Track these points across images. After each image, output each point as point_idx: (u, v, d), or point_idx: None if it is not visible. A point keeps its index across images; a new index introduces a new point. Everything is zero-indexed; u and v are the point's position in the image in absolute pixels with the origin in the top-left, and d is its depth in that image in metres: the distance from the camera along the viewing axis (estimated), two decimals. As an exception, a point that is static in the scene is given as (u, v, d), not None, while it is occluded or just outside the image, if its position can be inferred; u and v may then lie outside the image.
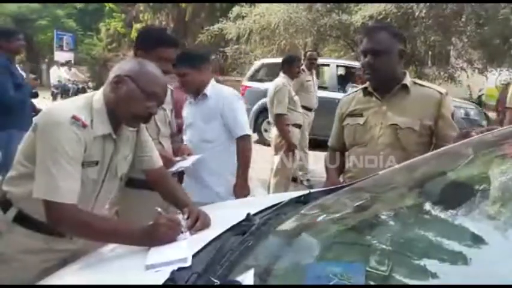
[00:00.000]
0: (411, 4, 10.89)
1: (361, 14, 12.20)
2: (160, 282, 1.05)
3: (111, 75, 1.50)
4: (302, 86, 5.10)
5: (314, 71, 5.61)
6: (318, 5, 14.04)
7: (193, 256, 1.20)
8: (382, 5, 11.42)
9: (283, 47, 15.10)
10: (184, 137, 2.61)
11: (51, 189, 1.33)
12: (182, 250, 1.24)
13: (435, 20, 11.03)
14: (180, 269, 1.09)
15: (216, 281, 0.91)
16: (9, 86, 3.68)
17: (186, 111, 2.66)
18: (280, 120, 4.37)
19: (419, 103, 1.97)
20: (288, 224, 1.37)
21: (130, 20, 22.74)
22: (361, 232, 1.27)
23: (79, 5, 24.81)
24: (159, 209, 1.43)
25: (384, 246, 1.13)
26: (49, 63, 13.93)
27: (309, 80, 5.32)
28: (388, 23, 11.01)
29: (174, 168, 2.17)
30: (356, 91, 2.22)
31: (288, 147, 4.36)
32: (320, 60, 6.39)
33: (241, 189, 2.54)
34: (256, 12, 14.96)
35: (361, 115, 2.07)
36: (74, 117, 1.37)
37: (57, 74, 13.94)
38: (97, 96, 1.51)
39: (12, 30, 4.07)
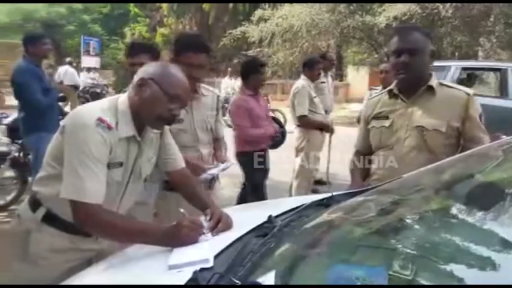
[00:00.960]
0: (436, 4, 10.67)
1: (385, 15, 12.03)
2: (182, 282, 1.06)
3: (136, 78, 1.53)
4: (316, 87, 5.06)
5: (329, 73, 5.57)
6: (341, 7, 13.95)
7: (215, 257, 1.21)
8: (407, 5, 11.23)
9: (306, 49, 15.03)
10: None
11: (78, 190, 1.36)
12: (204, 251, 1.25)
13: (462, 20, 10.78)
14: (202, 269, 1.10)
15: (237, 281, 0.91)
16: (37, 90, 3.80)
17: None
18: (304, 122, 4.35)
19: (446, 104, 1.93)
20: (310, 227, 1.36)
21: (155, 25, 23.16)
22: (385, 235, 1.24)
23: (105, 10, 25.40)
24: (182, 210, 1.44)
25: (408, 250, 1.11)
26: (77, 68, 14.34)
27: (323, 82, 5.28)
28: (414, 24, 10.85)
29: (203, 176, 2.14)
30: (381, 93, 2.19)
31: (325, 129, 4.37)
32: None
33: None
34: (278, 15, 14.97)
35: (386, 117, 2.04)
36: (100, 119, 1.41)
37: (82, 79, 14.26)
38: (122, 99, 1.54)
39: (38, 35, 4.14)
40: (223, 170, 2.27)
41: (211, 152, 2.33)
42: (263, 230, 1.37)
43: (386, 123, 2.02)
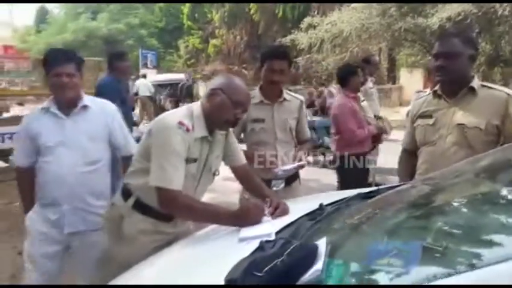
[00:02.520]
0: (493, 3, 10.31)
1: (438, 16, 11.78)
2: (250, 251, 1.32)
3: (207, 89, 1.84)
4: (365, 92, 5.12)
5: (374, 78, 5.59)
6: (392, 10, 13.82)
7: (276, 233, 1.46)
8: (461, 5, 10.94)
9: (356, 54, 14.99)
10: (47, 159, 2.12)
11: (163, 179, 1.68)
12: (267, 228, 1.52)
13: (520, 18, 10.35)
14: (267, 241, 1.35)
15: (296, 242, 1.16)
16: (116, 102, 4.25)
17: (48, 129, 2.12)
18: None
19: (486, 104, 2.07)
20: (355, 212, 1.58)
21: (207, 36, 24.04)
22: (421, 218, 1.43)
23: (160, 25, 26.66)
24: (247, 196, 1.72)
25: (441, 228, 1.29)
26: (133, 80, 15.27)
27: (372, 88, 5.32)
28: (467, 25, 10.57)
29: (275, 171, 2.36)
30: (427, 94, 2.36)
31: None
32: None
33: None
34: (327, 21, 15.06)
35: (430, 116, 2.21)
36: (180, 123, 1.73)
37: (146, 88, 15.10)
38: (196, 106, 1.86)
39: (122, 53, 4.64)
40: (296, 169, 2.49)
41: (290, 150, 2.54)
42: (314, 215, 1.61)
43: (430, 121, 2.19)
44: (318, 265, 1.04)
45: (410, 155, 2.35)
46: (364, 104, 4.64)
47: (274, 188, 2.42)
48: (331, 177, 5.86)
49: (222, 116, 1.80)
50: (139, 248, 1.80)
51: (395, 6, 13.76)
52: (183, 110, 1.86)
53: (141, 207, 1.84)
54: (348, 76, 3.74)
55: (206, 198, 2.08)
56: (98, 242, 2.14)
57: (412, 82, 16.73)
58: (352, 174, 3.58)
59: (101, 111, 2.24)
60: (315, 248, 1.12)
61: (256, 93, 2.50)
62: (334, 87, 7.50)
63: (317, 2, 18.45)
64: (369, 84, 5.29)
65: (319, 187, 5.43)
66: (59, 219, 2.14)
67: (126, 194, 1.88)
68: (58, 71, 2.04)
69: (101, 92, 4.30)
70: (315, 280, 1.01)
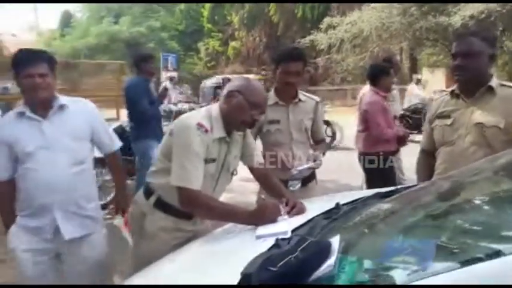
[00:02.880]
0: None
1: (461, 14, 11.60)
2: (266, 247, 1.35)
3: (225, 90, 1.90)
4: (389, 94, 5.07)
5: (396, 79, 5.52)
6: (413, 8, 13.66)
7: (292, 231, 1.50)
8: (484, 3, 10.74)
9: (376, 54, 14.87)
10: (29, 165, 1.98)
11: (184, 178, 1.74)
12: (284, 226, 1.56)
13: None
14: (282, 238, 1.39)
15: (310, 239, 1.19)
16: (145, 101, 4.45)
17: (26, 134, 1.99)
18: None
19: (505, 103, 2.05)
20: (370, 211, 1.60)
21: (227, 38, 24.23)
22: (437, 217, 1.44)
23: (180, 27, 26.97)
24: (263, 196, 1.77)
25: (455, 226, 1.30)
26: (156, 82, 15.48)
27: (394, 89, 5.26)
28: (491, 23, 10.36)
29: (291, 172, 2.39)
30: (445, 94, 2.35)
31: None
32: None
33: (126, 203, 2.29)
34: (347, 21, 14.99)
35: (448, 116, 2.20)
36: (199, 124, 1.78)
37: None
38: (215, 108, 1.91)
39: (149, 55, 4.81)
40: (311, 168, 2.51)
41: (306, 151, 2.55)
42: (330, 213, 1.63)
43: (448, 121, 2.18)
44: (331, 261, 1.07)
45: (428, 155, 2.34)
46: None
47: (291, 188, 2.45)
48: (348, 177, 5.86)
49: (239, 117, 1.85)
50: (160, 244, 1.86)
51: (416, 5, 13.61)
52: (202, 111, 1.91)
53: (162, 205, 1.90)
54: (380, 75, 3.73)
55: (225, 198, 2.13)
56: (96, 246, 2.11)
57: (434, 82, 16.49)
58: (380, 173, 3.53)
59: (80, 110, 2.13)
60: (328, 245, 1.16)
61: (271, 95, 2.52)
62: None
63: (337, 2, 18.37)
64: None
65: (336, 187, 5.41)
66: (49, 227, 2.00)
67: (148, 192, 1.95)
68: (30, 72, 1.92)
69: (130, 92, 4.51)
70: (327, 275, 1.04)
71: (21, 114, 2.00)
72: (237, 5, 22.38)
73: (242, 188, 4.07)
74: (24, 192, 2.01)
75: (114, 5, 27.87)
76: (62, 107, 2.05)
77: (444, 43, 13.91)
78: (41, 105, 2.00)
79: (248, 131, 2.04)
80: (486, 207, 1.42)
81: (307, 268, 1.06)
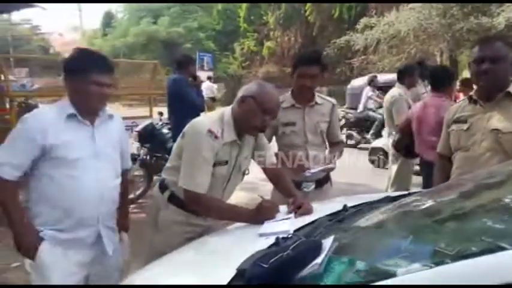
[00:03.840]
0: None
1: (504, 15, 11.14)
2: (267, 245, 1.40)
3: (239, 94, 1.95)
4: (418, 98, 4.95)
5: (426, 81, 5.37)
6: (454, 9, 13.25)
7: (295, 231, 1.53)
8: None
9: (414, 55, 14.51)
10: (73, 173, 1.80)
11: (190, 182, 1.84)
12: (287, 226, 1.60)
13: None
14: (283, 237, 1.43)
15: (302, 238, 1.23)
16: (193, 94, 4.75)
17: (77, 139, 1.84)
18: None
19: None
20: (376, 214, 1.60)
21: (262, 38, 24.32)
22: (442, 221, 1.43)
23: (217, 27, 27.30)
24: (260, 195, 1.84)
25: (455, 230, 1.30)
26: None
27: (424, 92, 5.13)
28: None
29: (304, 174, 2.40)
30: (462, 99, 2.31)
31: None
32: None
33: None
34: (384, 22, 14.71)
35: (465, 121, 2.17)
36: (209, 131, 1.86)
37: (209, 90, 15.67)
38: (227, 111, 1.98)
39: (188, 57, 5.18)
40: (324, 171, 2.51)
41: (321, 153, 2.57)
42: (336, 215, 1.65)
43: (465, 126, 2.15)
44: (318, 260, 1.10)
45: (445, 160, 2.31)
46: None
47: (305, 190, 2.46)
48: (364, 179, 5.78)
49: (250, 122, 1.90)
50: (172, 237, 1.95)
51: (458, 6, 13.18)
52: (214, 115, 2.00)
53: (175, 200, 1.99)
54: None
55: (247, 199, 2.16)
56: (120, 260, 2.05)
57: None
58: None
59: (116, 121, 2.03)
60: (319, 244, 1.19)
61: (287, 97, 2.55)
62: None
63: (375, 1, 18.03)
64: (421, 88, 5.11)
65: (350, 189, 5.36)
66: (91, 239, 1.89)
67: (163, 187, 2.04)
68: (102, 80, 1.81)
69: (174, 87, 4.77)
70: (313, 273, 1.07)
71: (72, 117, 1.82)
72: (274, 5, 22.41)
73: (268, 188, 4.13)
74: (60, 201, 1.79)
75: (154, 6, 28.53)
76: (110, 117, 1.97)
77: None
78: (92, 112, 1.88)
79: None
80: (490, 214, 1.40)
81: (296, 265, 1.10)
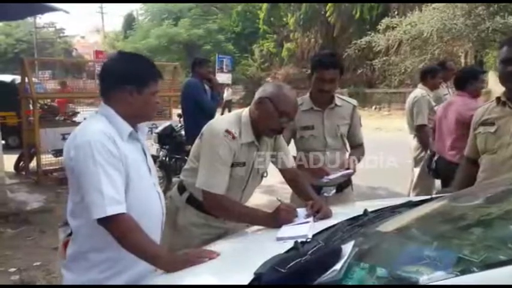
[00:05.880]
0: None
1: (532, 14, 10.82)
2: (285, 249, 1.38)
3: (256, 96, 1.93)
4: (440, 99, 4.84)
5: (449, 83, 5.22)
6: (479, 9, 12.95)
7: (314, 235, 1.50)
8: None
9: (437, 56, 14.22)
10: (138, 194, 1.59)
11: (208, 183, 1.82)
12: (305, 230, 1.57)
13: None
14: (302, 242, 1.40)
15: (321, 243, 1.20)
16: (207, 97, 4.79)
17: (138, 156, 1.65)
18: (422, 132, 4.27)
19: None
20: (397, 219, 1.56)
21: (282, 40, 24.25)
22: (467, 227, 1.39)
23: (237, 29, 27.39)
24: (279, 198, 1.81)
25: (482, 239, 1.25)
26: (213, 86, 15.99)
27: (446, 94, 5.00)
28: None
29: (322, 180, 2.31)
30: (491, 101, 2.24)
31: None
32: None
33: None
34: (406, 22, 14.48)
35: (493, 124, 2.10)
36: (227, 131, 1.84)
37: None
38: (245, 113, 1.96)
39: (204, 60, 5.14)
40: (343, 176, 2.40)
41: (341, 157, 2.49)
42: (357, 219, 1.62)
43: (492, 129, 2.08)
44: (337, 266, 1.07)
45: (470, 163, 2.24)
46: (437, 109, 4.42)
47: (325, 194, 2.40)
48: (386, 183, 5.68)
49: (267, 124, 1.88)
50: (191, 239, 1.94)
51: (484, 5, 12.87)
52: (232, 116, 1.98)
53: (194, 202, 1.98)
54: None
55: (267, 201, 2.14)
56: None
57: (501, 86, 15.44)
58: None
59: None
60: (338, 250, 1.16)
61: (306, 100, 2.49)
62: None
63: (397, 1, 17.78)
64: (443, 90, 4.99)
65: (371, 192, 5.28)
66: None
67: (181, 189, 2.04)
68: (156, 89, 1.64)
69: (188, 89, 4.83)
70: (331, 280, 1.04)
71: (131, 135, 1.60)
72: (294, 6, 22.32)
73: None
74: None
75: (175, 8, 28.86)
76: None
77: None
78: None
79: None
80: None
81: (314, 271, 1.07)
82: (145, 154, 1.67)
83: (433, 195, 1.96)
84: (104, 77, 1.61)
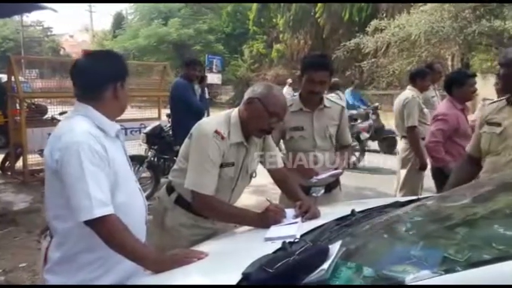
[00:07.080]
0: None
1: (517, 18, 11.01)
2: (273, 249, 1.38)
3: (246, 96, 1.93)
4: (428, 102, 4.88)
5: (437, 85, 5.26)
6: (466, 12, 13.13)
7: (302, 235, 1.51)
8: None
9: (425, 58, 14.37)
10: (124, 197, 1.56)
11: (197, 183, 1.83)
12: (293, 230, 1.58)
13: None
14: (290, 242, 1.41)
15: (309, 243, 1.21)
16: (194, 97, 4.80)
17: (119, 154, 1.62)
18: (412, 134, 4.29)
19: None
20: (383, 219, 1.58)
21: (271, 41, 24.29)
22: (453, 227, 1.40)
23: (227, 30, 27.35)
24: (268, 199, 1.82)
25: (467, 239, 1.27)
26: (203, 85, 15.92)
27: (434, 96, 5.05)
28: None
29: (311, 180, 2.35)
30: (500, 100, 2.24)
31: (420, 165, 4.15)
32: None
33: None
34: (395, 25, 14.63)
35: (499, 124, 2.11)
36: (216, 132, 1.84)
37: None
38: (234, 113, 1.96)
39: (193, 61, 5.13)
40: (332, 176, 2.45)
41: (329, 158, 2.51)
42: (344, 220, 1.63)
43: (498, 130, 2.09)
44: (324, 265, 1.08)
45: (471, 161, 2.24)
46: (426, 111, 4.46)
47: (314, 195, 2.41)
48: (373, 183, 5.72)
49: (257, 124, 1.89)
50: (179, 239, 1.94)
51: (470, 9, 13.05)
52: (221, 116, 1.97)
53: (182, 202, 1.98)
54: (455, 85, 3.55)
55: (256, 202, 2.15)
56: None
57: (489, 88, 15.62)
58: None
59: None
60: (326, 250, 1.17)
61: (295, 101, 2.50)
62: None
63: (388, 2, 17.90)
64: (431, 92, 5.05)
65: (359, 193, 5.32)
66: None
67: (170, 189, 2.03)
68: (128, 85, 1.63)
69: (177, 90, 4.83)
70: (319, 279, 1.05)
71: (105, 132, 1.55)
72: (283, 7, 22.36)
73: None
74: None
75: (164, 8, 28.69)
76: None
77: (499, 48, 13.23)
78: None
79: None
80: (504, 221, 1.37)
81: (301, 271, 1.08)
82: (125, 151, 1.68)
83: (420, 196, 1.98)
84: (85, 77, 1.56)
